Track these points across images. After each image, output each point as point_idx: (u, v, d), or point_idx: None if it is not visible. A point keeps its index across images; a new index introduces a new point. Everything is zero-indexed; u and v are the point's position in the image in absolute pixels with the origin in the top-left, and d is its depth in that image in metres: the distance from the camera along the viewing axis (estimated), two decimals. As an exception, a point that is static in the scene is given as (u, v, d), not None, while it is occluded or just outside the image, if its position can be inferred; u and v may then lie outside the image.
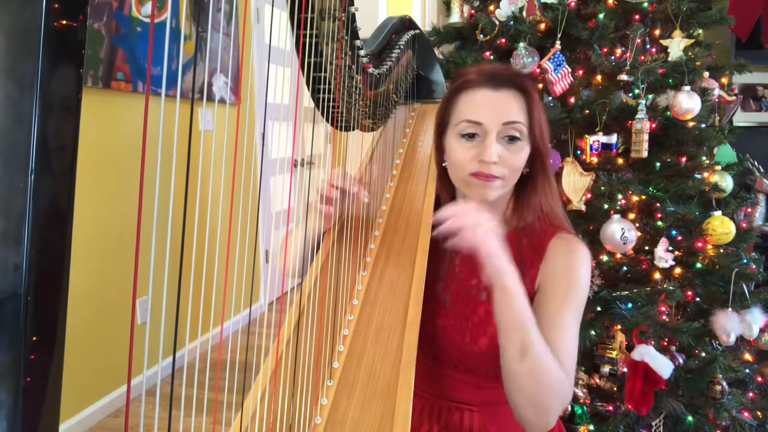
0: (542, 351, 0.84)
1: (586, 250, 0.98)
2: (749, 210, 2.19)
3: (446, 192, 1.08)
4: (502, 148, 0.95)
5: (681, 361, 1.85)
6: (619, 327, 1.85)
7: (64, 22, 0.35)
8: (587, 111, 1.86)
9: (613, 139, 1.85)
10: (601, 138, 1.85)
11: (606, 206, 1.83)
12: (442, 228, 0.85)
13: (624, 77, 1.82)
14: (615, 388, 1.89)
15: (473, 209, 0.86)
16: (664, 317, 1.84)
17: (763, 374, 2.02)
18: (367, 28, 1.05)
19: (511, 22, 1.88)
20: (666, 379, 1.73)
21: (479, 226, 0.84)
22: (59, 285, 0.38)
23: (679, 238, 1.89)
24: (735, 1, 2.49)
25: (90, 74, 2.37)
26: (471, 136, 0.96)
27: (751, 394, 1.97)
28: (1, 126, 0.35)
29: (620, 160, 1.86)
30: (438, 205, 1.10)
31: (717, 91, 1.96)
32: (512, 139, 0.95)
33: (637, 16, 1.90)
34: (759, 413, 1.93)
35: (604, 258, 1.85)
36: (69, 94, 0.36)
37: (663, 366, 1.71)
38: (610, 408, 1.89)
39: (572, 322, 0.93)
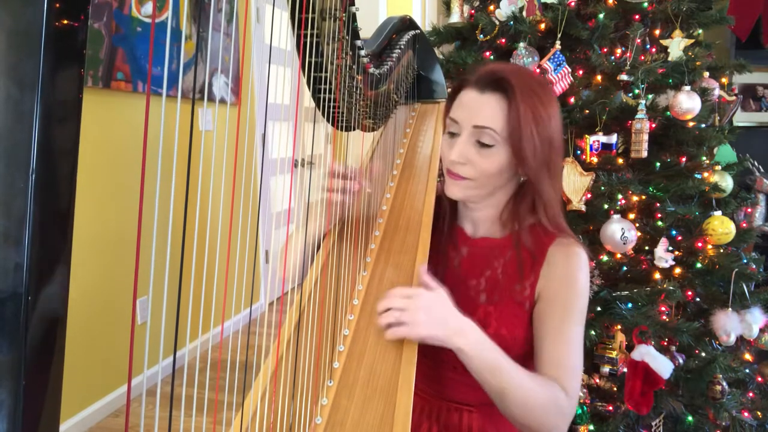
0: (523, 385, 0.86)
1: (584, 254, 0.98)
2: (749, 210, 2.20)
3: None
4: (474, 150, 0.94)
5: (681, 361, 1.85)
6: (619, 327, 1.85)
7: (66, 22, 0.35)
8: (587, 111, 1.86)
9: (613, 139, 1.85)
10: (601, 138, 1.85)
11: (606, 206, 1.83)
12: (389, 332, 0.85)
13: (624, 77, 1.82)
14: (615, 388, 1.89)
15: (397, 302, 0.85)
16: (664, 317, 1.84)
17: (763, 374, 2.02)
18: (367, 28, 1.05)
19: (511, 22, 1.88)
20: (666, 379, 1.73)
21: (406, 325, 0.83)
22: (60, 285, 0.38)
23: (679, 238, 1.89)
24: (735, 1, 2.49)
25: (90, 74, 2.37)
26: (453, 134, 0.98)
27: (751, 394, 1.97)
28: (2, 126, 0.35)
29: (620, 160, 1.86)
30: (439, 204, 1.10)
31: (717, 91, 1.96)
32: (484, 143, 0.94)
33: (637, 16, 1.90)
34: (759, 413, 1.93)
35: (604, 258, 1.85)
36: (70, 94, 0.36)
37: (663, 366, 1.71)
38: (610, 408, 1.89)
39: (576, 331, 0.94)
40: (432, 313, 0.84)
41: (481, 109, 0.94)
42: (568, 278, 0.96)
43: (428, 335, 0.84)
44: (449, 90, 1.05)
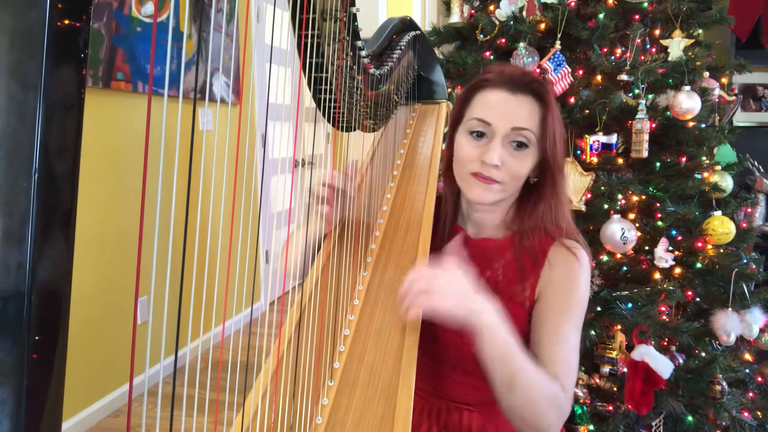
0: (531, 376, 0.85)
1: (586, 257, 0.98)
2: (749, 210, 2.20)
3: (450, 189, 1.07)
4: (507, 153, 0.94)
5: (681, 361, 1.85)
6: (619, 327, 1.85)
7: (68, 22, 0.35)
8: (587, 111, 1.86)
9: (613, 139, 1.85)
10: (601, 138, 1.85)
11: (606, 206, 1.84)
12: (407, 301, 0.83)
13: (624, 77, 1.82)
14: (615, 388, 1.89)
15: (420, 276, 0.84)
16: (664, 317, 1.84)
17: (763, 374, 2.02)
18: (367, 28, 1.05)
19: (511, 22, 1.88)
20: (666, 379, 1.73)
21: (425, 293, 0.82)
22: (62, 284, 0.38)
23: (679, 238, 1.89)
24: (735, 1, 2.49)
25: (90, 74, 2.37)
26: (480, 135, 0.96)
27: (751, 394, 1.97)
28: (4, 126, 0.35)
29: (620, 160, 1.86)
30: (439, 204, 1.10)
31: (717, 91, 1.96)
32: (519, 145, 0.94)
33: (637, 16, 1.90)
34: (759, 413, 1.93)
35: (604, 258, 1.85)
36: (72, 94, 0.36)
37: (663, 366, 1.71)
38: (610, 408, 1.89)
39: (573, 333, 0.94)
40: (454, 287, 0.82)
41: (518, 110, 0.94)
42: (568, 280, 0.96)
43: (448, 308, 0.81)
44: (461, 90, 1.04)
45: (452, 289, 0.82)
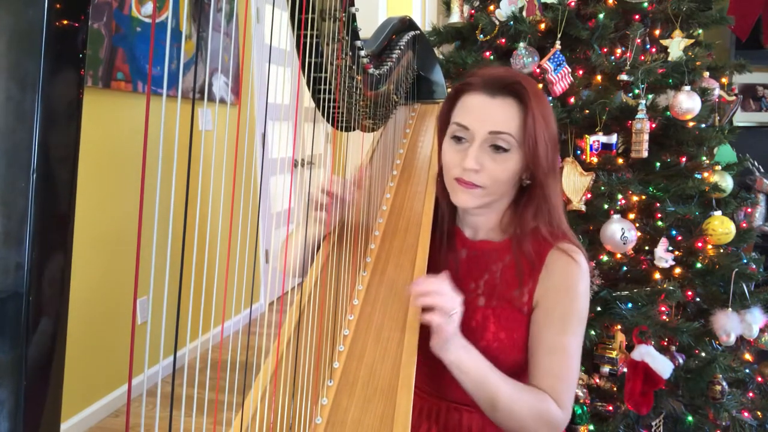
0: (511, 397, 0.87)
1: (584, 262, 0.97)
2: (749, 210, 2.20)
3: (443, 194, 1.07)
4: (488, 157, 0.93)
5: (681, 361, 1.85)
6: (619, 327, 1.85)
7: (66, 22, 0.35)
8: (587, 111, 1.86)
9: (613, 139, 1.85)
10: (601, 138, 1.85)
11: (606, 206, 1.83)
12: (420, 300, 0.85)
13: (624, 77, 1.82)
14: (615, 388, 1.89)
15: (449, 292, 0.86)
16: (664, 317, 1.84)
17: (763, 374, 2.02)
18: (367, 28, 1.05)
19: (511, 22, 1.88)
20: (666, 379, 1.73)
21: (449, 314, 0.84)
22: (61, 284, 0.38)
23: (679, 238, 1.89)
24: (735, 1, 2.49)
25: (90, 74, 2.37)
26: (459, 139, 0.95)
27: (751, 394, 1.97)
28: (2, 126, 0.35)
29: (620, 160, 1.86)
30: (437, 206, 1.10)
31: (717, 91, 1.96)
32: (498, 149, 0.92)
33: (637, 16, 1.90)
34: (759, 413, 1.93)
35: (604, 258, 1.85)
36: (70, 94, 0.36)
37: (663, 366, 1.71)
38: (610, 408, 1.89)
39: (573, 342, 0.93)
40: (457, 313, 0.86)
41: (496, 113, 0.92)
42: (567, 287, 0.95)
43: (451, 339, 0.86)
44: (447, 92, 1.04)
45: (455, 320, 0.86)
